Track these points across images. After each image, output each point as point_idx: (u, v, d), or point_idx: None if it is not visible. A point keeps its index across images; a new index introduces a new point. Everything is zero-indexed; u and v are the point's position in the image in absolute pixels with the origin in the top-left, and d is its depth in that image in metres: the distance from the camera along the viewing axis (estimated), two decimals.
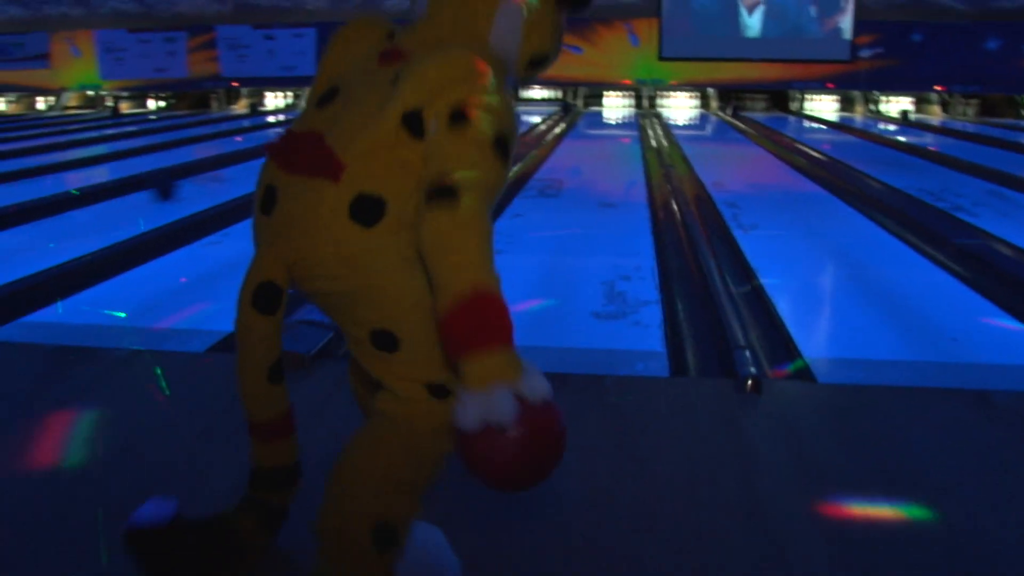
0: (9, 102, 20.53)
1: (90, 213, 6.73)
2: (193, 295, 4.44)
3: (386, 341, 1.58)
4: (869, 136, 13.52)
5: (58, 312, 4.08)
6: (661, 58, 12.45)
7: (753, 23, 11.96)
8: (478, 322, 1.36)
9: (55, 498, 2.12)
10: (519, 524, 1.98)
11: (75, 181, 8.52)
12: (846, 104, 18.57)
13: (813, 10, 11.84)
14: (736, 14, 11.92)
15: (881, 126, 15.78)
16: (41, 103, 20.29)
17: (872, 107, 18.18)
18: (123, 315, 4.09)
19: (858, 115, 17.97)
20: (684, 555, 1.88)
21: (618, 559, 1.87)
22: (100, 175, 9.27)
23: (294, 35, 17.67)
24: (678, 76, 17.77)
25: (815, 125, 15.99)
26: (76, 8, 19.07)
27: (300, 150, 1.59)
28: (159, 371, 2.95)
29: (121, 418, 2.61)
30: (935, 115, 17.62)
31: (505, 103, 1.57)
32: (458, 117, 1.50)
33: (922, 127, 15.34)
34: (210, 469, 2.24)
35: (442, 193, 1.42)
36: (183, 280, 4.70)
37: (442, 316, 1.37)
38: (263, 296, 1.61)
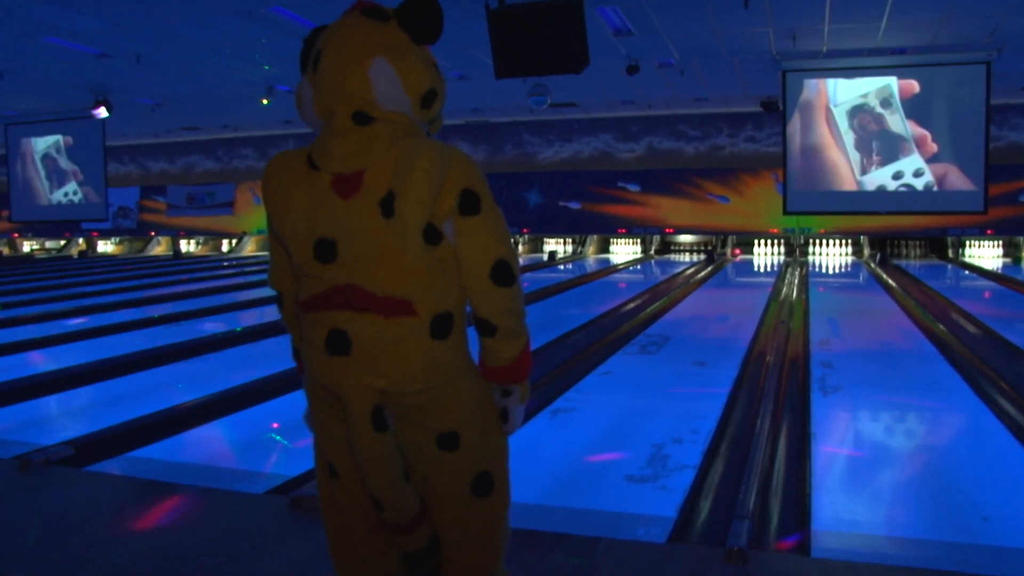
0: (198, 244, 22.73)
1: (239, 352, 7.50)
2: (278, 441, 4.94)
3: (450, 441, 1.97)
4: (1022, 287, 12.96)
5: (161, 448, 4.64)
6: (786, 212, 12.54)
7: (875, 177, 11.94)
8: (529, 360, 2.05)
9: None
10: None
11: (243, 321, 9.49)
12: (1011, 250, 17.88)
13: (940, 164, 11.69)
14: (858, 168, 11.96)
15: None
16: (225, 245, 22.35)
17: None
18: (214, 454, 4.63)
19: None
20: None
21: None
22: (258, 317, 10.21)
23: None
24: (827, 224, 17.71)
25: (970, 275, 15.47)
26: (261, 161, 21.12)
27: (367, 301, 1.86)
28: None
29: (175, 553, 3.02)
30: None
31: (461, 158, 1.89)
32: (465, 208, 1.88)
33: None
34: None
35: (502, 279, 1.92)
36: (275, 425, 5.21)
37: (516, 355, 2.00)
38: (379, 418, 1.91)
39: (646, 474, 4.15)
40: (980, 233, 17.44)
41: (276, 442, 4.92)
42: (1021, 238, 17.47)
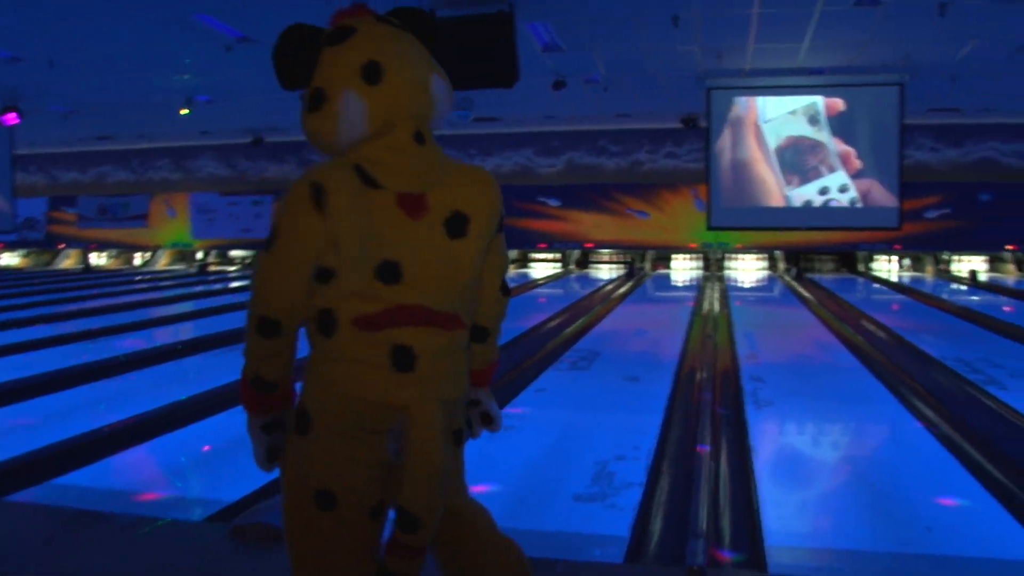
0: (110, 257, 22.04)
1: (148, 374, 7.23)
2: (211, 464, 4.77)
3: (460, 437, 2.02)
4: (930, 300, 13.46)
5: (87, 475, 4.43)
6: (710, 227, 12.78)
7: (802, 192, 12.26)
8: None
9: None
10: None
11: (159, 338, 9.19)
12: (917, 264, 18.56)
13: (856, 181, 12.07)
14: (785, 184, 12.27)
15: (951, 286, 15.72)
16: (138, 259, 21.72)
17: (942, 267, 18.12)
18: (144, 480, 4.44)
19: (928, 275, 17.91)
20: None
21: None
22: (182, 333, 9.92)
23: None
24: (743, 239, 18.11)
25: (880, 288, 15.99)
26: (176, 173, 20.61)
27: (429, 317, 1.86)
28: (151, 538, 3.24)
29: None
30: (1010, 274, 17.45)
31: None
32: (500, 228, 2.06)
33: (991, 288, 15.16)
34: None
35: (506, 290, 2.09)
36: (206, 448, 5.03)
37: (495, 359, 2.14)
38: (448, 432, 1.91)
39: (593, 493, 4.12)
40: (888, 248, 18.06)
41: (209, 466, 4.74)
42: (927, 253, 18.16)
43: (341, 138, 1.88)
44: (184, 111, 12.93)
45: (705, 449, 4.66)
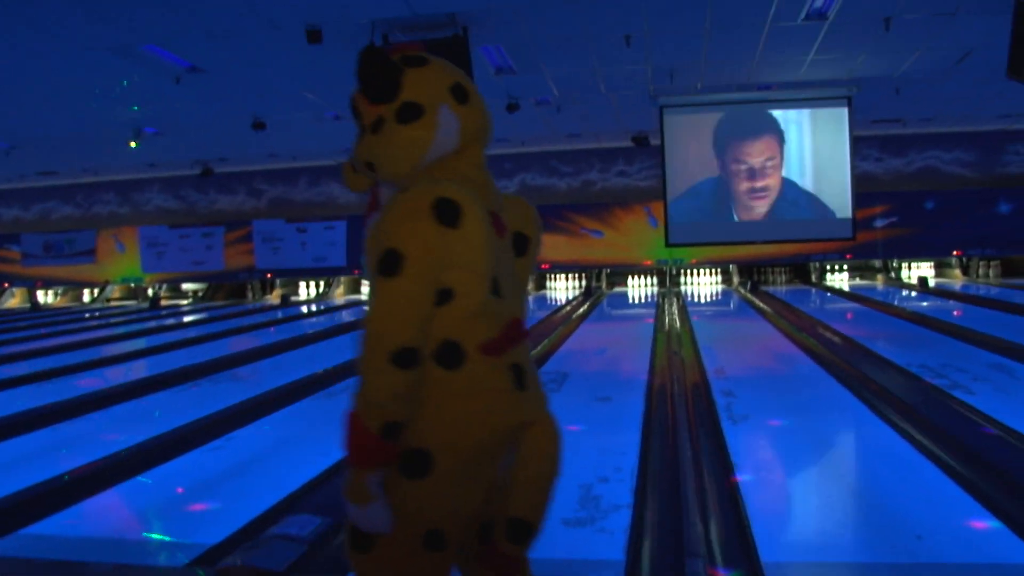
0: (57, 294, 21.55)
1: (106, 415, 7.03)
2: (188, 505, 4.63)
3: None
4: (885, 307, 13.67)
5: (57, 523, 4.26)
6: (668, 245, 12.88)
7: (757, 206, 12.44)
8: None
9: None
10: None
11: (111, 379, 8.96)
12: (867, 273, 18.90)
13: (810, 193, 12.29)
14: (735, 202, 12.44)
15: (903, 293, 16.00)
16: (87, 295, 21.28)
17: (892, 275, 18.47)
18: (117, 526, 4.29)
19: (879, 283, 18.23)
20: None
21: None
22: (135, 371, 9.69)
23: (325, 227, 18.56)
24: (698, 255, 18.26)
25: (834, 297, 16.22)
26: (123, 207, 20.26)
27: (524, 332, 2.00)
28: None
29: None
30: (956, 279, 17.84)
31: None
32: None
33: (941, 293, 15.47)
34: None
35: None
36: (179, 490, 4.88)
37: None
38: None
39: (582, 517, 4.08)
40: (840, 258, 18.34)
41: (186, 507, 4.59)
42: (876, 261, 18.49)
43: (431, 152, 1.89)
44: (133, 144, 12.71)
45: (688, 468, 4.65)
